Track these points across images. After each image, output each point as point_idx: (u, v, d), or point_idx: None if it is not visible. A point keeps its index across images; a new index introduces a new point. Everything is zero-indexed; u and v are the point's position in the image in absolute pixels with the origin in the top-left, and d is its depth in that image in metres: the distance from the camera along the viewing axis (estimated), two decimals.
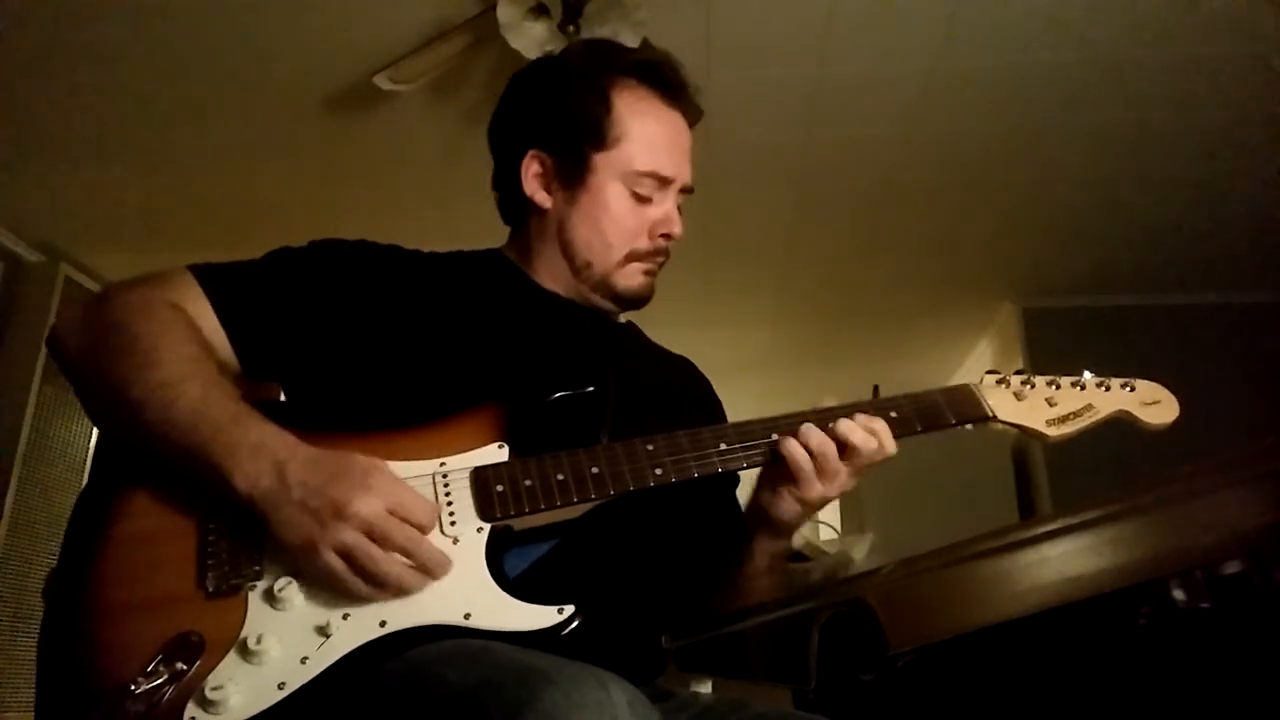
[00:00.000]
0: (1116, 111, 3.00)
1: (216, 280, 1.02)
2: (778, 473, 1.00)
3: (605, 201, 1.12)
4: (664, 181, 1.13)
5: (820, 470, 0.98)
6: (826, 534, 3.04)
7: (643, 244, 1.14)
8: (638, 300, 1.17)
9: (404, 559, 0.84)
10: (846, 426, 0.98)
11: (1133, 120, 3.05)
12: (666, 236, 1.14)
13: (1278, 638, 0.66)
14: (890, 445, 0.99)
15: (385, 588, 0.84)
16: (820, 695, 0.80)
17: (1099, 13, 2.57)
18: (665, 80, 1.16)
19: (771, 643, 0.88)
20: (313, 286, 1.05)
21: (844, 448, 0.98)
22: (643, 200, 1.13)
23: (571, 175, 1.13)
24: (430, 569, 0.85)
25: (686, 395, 1.23)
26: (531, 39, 2.34)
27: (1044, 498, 4.08)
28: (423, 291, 1.09)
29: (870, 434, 0.98)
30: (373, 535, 0.83)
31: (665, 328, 1.28)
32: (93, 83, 2.82)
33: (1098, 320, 4.16)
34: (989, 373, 1.08)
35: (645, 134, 1.13)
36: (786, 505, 1.02)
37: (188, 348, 0.94)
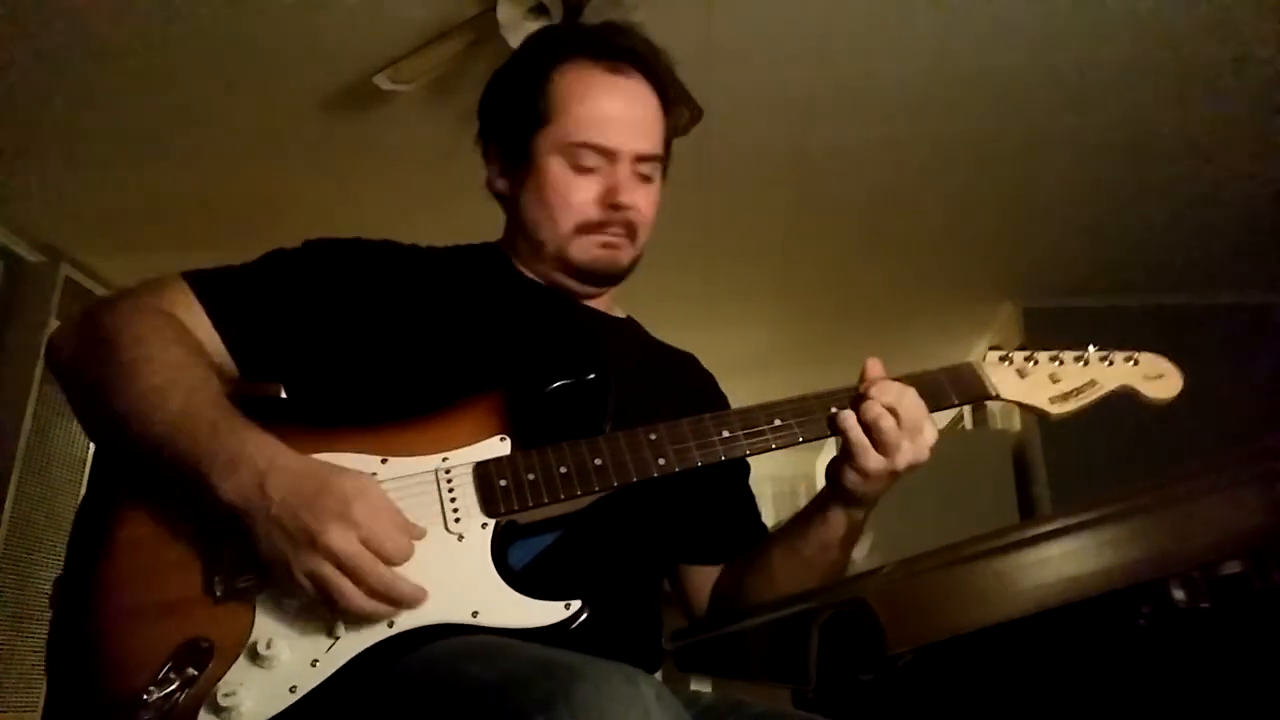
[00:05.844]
0: (1116, 111, 3.00)
1: (209, 286, 1.02)
2: (842, 451, 1.01)
3: (547, 177, 1.11)
4: (606, 152, 1.10)
5: (878, 443, 0.98)
6: None
7: (592, 214, 1.10)
8: (600, 274, 1.13)
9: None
10: (897, 392, 1.00)
11: (1132, 120, 3.05)
12: (616, 207, 1.10)
13: (1278, 638, 0.66)
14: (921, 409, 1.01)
15: (352, 617, 0.83)
16: (820, 695, 0.80)
17: (1098, 14, 2.57)
18: (609, 50, 1.13)
19: (771, 643, 0.88)
20: (307, 286, 1.05)
21: (895, 415, 0.98)
22: (586, 172, 1.10)
23: (516, 159, 1.13)
24: (401, 605, 0.84)
25: (689, 389, 1.22)
26: None
27: (1044, 498, 4.08)
28: (418, 285, 1.09)
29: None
30: (343, 569, 0.82)
31: (665, 328, 1.28)
32: (94, 83, 2.82)
33: (1098, 320, 4.14)
34: (991, 349, 1.08)
35: (583, 107, 1.10)
36: (848, 477, 1.01)
37: (172, 353, 0.92)
